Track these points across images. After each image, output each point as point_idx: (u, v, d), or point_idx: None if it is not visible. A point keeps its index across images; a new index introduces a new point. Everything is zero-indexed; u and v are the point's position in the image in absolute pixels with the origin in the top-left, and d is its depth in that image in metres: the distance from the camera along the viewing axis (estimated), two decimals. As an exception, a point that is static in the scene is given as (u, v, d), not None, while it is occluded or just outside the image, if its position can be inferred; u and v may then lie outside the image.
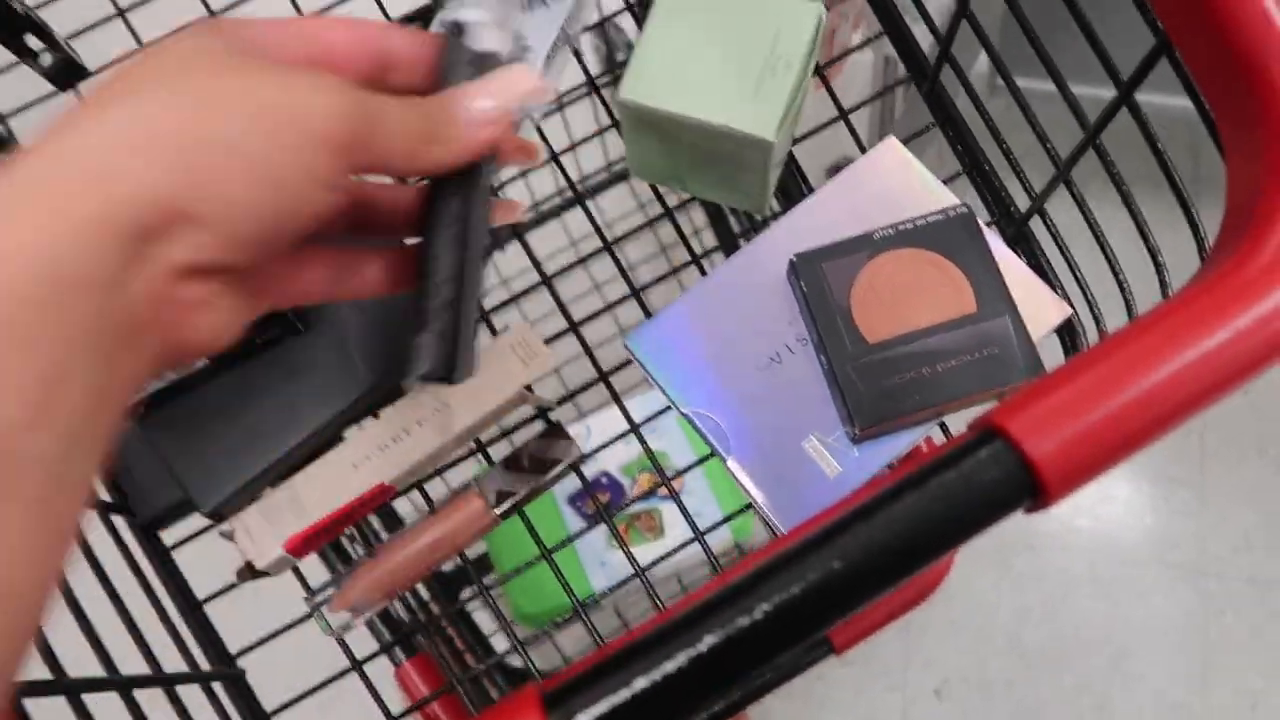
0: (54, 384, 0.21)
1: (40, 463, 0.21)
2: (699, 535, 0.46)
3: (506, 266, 0.97)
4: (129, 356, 0.23)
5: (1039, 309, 0.45)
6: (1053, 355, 0.44)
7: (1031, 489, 0.25)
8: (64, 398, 0.21)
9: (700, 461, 0.49)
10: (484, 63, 0.31)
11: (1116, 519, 1.17)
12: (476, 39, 0.31)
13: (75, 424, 0.22)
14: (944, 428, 0.46)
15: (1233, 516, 1.15)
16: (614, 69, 1.09)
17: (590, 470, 0.89)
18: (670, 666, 0.24)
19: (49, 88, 0.47)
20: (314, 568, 0.52)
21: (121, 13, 0.54)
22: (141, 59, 0.25)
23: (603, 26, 0.87)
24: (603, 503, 0.87)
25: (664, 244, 1.06)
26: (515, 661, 0.87)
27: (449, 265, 0.30)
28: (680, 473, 0.48)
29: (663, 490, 0.90)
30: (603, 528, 0.87)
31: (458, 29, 0.31)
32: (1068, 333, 0.46)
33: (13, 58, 0.43)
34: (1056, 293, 0.45)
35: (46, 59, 0.40)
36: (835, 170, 1.03)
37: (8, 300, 0.20)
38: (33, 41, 0.39)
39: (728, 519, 0.49)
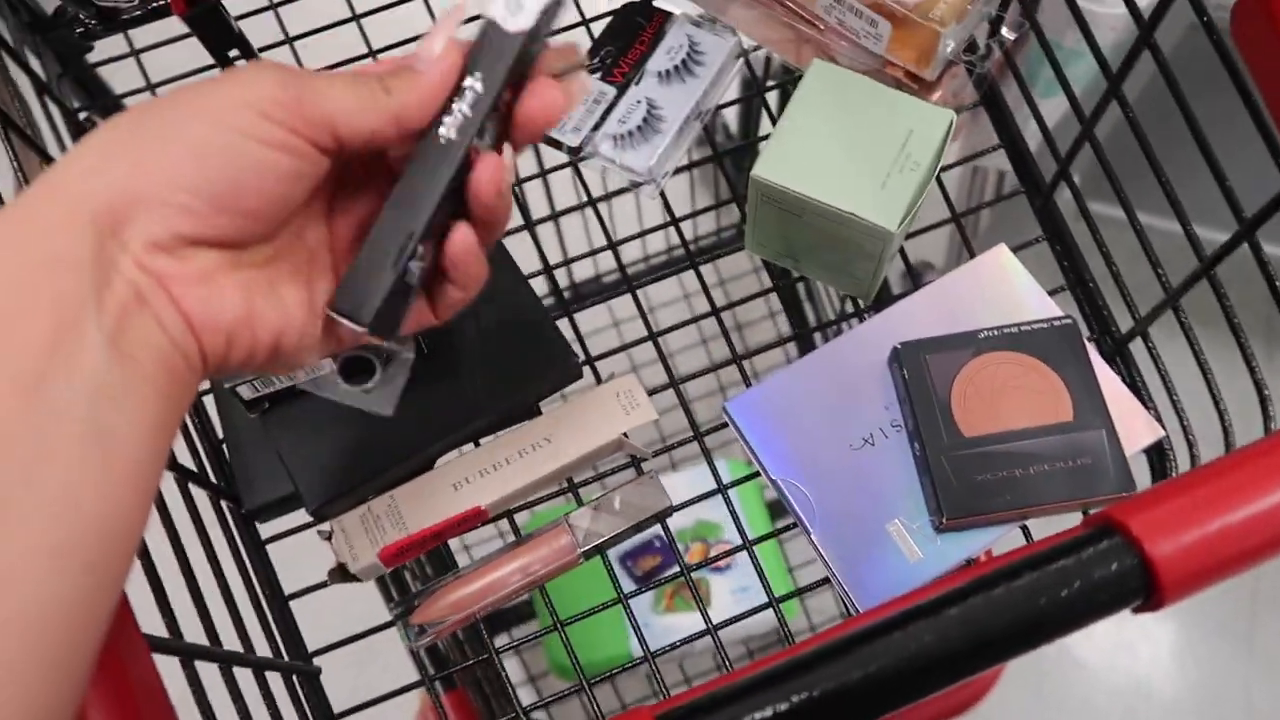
0: (62, 341, 0.24)
1: (64, 410, 0.24)
2: (774, 601, 0.47)
3: (599, 316, 0.99)
4: (144, 323, 0.26)
5: (1131, 427, 0.46)
6: (1140, 476, 0.45)
7: (1146, 589, 0.26)
8: (76, 352, 0.24)
9: (765, 538, 0.50)
10: (517, 49, 0.31)
11: (1159, 661, 1.14)
12: (506, 20, 0.31)
13: (97, 377, 0.25)
14: (1026, 532, 0.46)
15: (1280, 673, 1.12)
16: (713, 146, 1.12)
17: (646, 532, 0.90)
18: (782, 706, 0.25)
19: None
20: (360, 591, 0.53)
21: (290, 39, 0.58)
22: None
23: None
24: (654, 565, 0.88)
25: (740, 322, 1.08)
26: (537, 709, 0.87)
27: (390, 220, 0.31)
28: (754, 541, 0.49)
29: (721, 561, 0.90)
30: (647, 593, 0.87)
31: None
32: (1157, 454, 0.47)
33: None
34: (1149, 413, 0.47)
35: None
36: (914, 271, 1.05)
37: (24, 275, 0.25)
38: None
39: (795, 594, 0.49)
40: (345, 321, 0.31)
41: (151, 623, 0.33)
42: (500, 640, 0.95)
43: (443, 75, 0.30)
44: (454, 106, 0.31)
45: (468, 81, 0.31)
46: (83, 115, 0.57)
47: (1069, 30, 0.68)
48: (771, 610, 0.47)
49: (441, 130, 0.31)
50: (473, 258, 0.32)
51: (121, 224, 0.26)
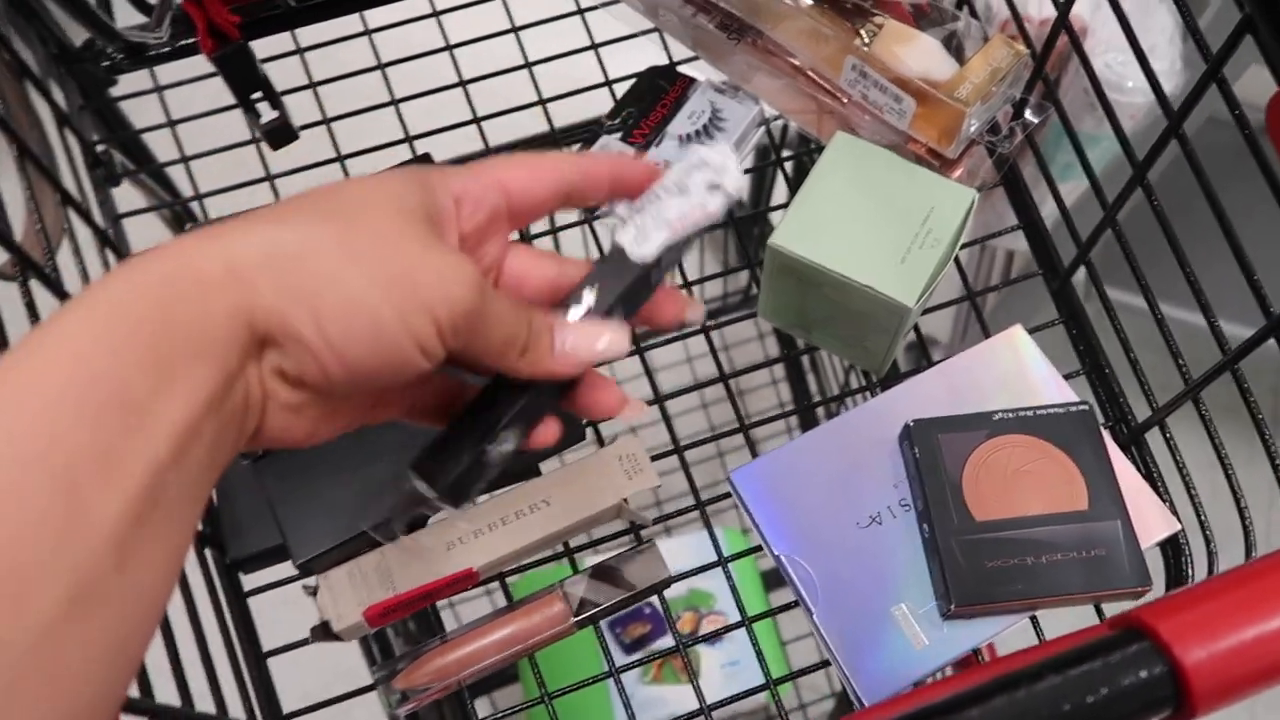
0: (191, 436, 0.25)
1: (175, 501, 0.25)
2: (770, 683, 0.45)
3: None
4: (236, 431, 0.27)
5: (1146, 519, 0.45)
6: (1154, 570, 0.43)
7: (1175, 699, 0.24)
8: (194, 449, 0.25)
9: (763, 616, 0.48)
10: (635, 276, 0.33)
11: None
12: (635, 251, 0.34)
13: (196, 475, 0.26)
14: (1036, 624, 0.45)
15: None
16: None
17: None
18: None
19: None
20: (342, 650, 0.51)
21: (314, 84, 0.59)
22: (337, 187, 0.30)
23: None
24: (644, 633, 0.86)
25: (741, 389, 1.07)
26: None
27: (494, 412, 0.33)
28: (753, 619, 0.47)
29: (707, 631, 0.87)
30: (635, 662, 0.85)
31: (618, 250, 0.34)
32: (1172, 548, 0.46)
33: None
34: (1165, 505, 0.45)
35: (266, 118, 0.44)
36: (925, 348, 1.05)
37: (171, 355, 0.25)
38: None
39: (791, 677, 0.48)
40: (421, 485, 0.32)
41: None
42: (481, 704, 0.92)
43: (571, 371, 0.32)
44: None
45: (584, 295, 0.33)
46: (100, 148, 0.56)
47: (1086, 115, 0.68)
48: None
49: None
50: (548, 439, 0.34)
51: (268, 345, 0.27)
